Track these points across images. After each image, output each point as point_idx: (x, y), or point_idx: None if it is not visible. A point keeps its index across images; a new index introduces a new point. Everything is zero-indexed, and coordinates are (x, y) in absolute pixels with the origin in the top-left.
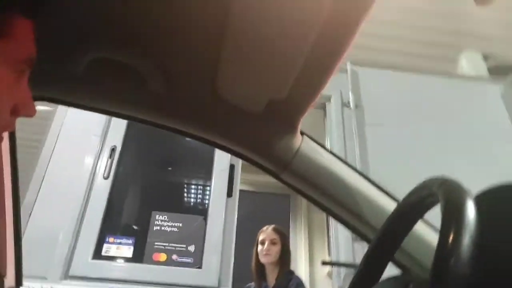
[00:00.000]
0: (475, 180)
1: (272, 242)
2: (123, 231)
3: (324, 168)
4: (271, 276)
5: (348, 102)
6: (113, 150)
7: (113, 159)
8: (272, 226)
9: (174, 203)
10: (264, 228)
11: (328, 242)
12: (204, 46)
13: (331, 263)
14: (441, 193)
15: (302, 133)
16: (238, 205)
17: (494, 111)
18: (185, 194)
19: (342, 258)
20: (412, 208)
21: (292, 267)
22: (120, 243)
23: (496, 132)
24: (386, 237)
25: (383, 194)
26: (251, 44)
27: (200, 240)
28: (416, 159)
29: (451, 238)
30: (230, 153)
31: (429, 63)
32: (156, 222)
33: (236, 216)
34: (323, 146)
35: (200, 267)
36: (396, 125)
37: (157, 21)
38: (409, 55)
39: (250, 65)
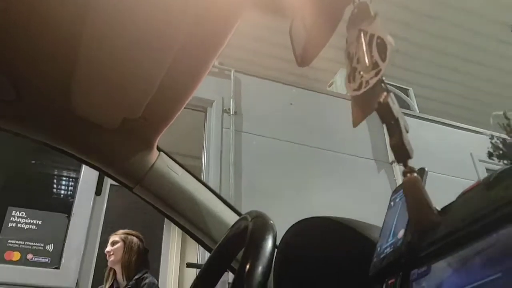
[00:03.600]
0: (327, 189)
1: (113, 244)
2: None
3: (176, 185)
4: (120, 277)
5: (229, 109)
6: None
7: None
8: (122, 231)
9: (36, 199)
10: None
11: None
12: (57, 56)
13: (196, 266)
14: (250, 227)
15: (159, 150)
16: (112, 202)
17: (358, 129)
18: (50, 189)
19: None
20: (235, 236)
21: (163, 265)
22: None
23: (356, 149)
24: (220, 254)
25: (227, 209)
26: (104, 64)
27: (60, 239)
28: (286, 171)
29: (247, 268)
30: (84, 164)
31: (310, 73)
32: (12, 219)
33: (103, 216)
34: (178, 163)
35: (57, 268)
36: (271, 134)
37: (6, 28)
38: (293, 62)
39: (102, 83)
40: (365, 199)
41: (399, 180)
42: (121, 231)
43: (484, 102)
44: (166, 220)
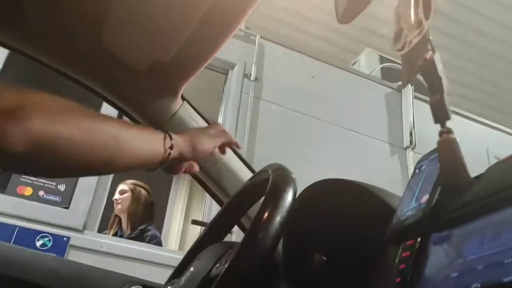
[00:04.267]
0: (337, 168)
1: (121, 193)
2: None
3: None
4: (125, 225)
5: (250, 74)
6: None
7: None
8: (131, 181)
9: None
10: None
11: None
12: None
13: (201, 223)
14: (271, 178)
15: (183, 98)
16: None
17: (376, 111)
18: None
19: None
20: (254, 186)
21: (167, 222)
22: None
23: (371, 130)
24: (234, 206)
25: (243, 166)
26: (139, 1)
27: (72, 180)
28: (298, 140)
29: (265, 216)
30: (107, 102)
31: (335, 51)
32: None
33: None
34: (201, 115)
35: (67, 207)
36: (289, 105)
37: None
38: (319, 39)
39: (137, 21)
40: (373, 182)
41: (411, 166)
42: (130, 181)
43: (504, 98)
44: (174, 177)
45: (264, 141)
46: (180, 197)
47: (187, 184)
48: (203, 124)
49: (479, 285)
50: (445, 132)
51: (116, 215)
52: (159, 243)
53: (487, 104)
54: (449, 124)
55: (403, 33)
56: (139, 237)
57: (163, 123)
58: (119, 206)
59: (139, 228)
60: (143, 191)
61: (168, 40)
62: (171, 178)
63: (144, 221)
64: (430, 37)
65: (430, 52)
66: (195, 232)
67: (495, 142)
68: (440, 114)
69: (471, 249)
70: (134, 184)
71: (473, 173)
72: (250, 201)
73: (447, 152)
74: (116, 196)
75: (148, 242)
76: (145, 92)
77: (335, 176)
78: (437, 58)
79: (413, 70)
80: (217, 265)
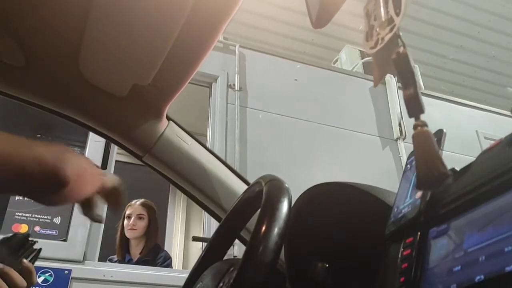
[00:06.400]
0: (331, 167)
1: (139, 217)
2: None
3: (185, 154)
4: (136, 250)
5: (234, 84)
6: None
7: None
8: (141, 200)
9: None
10: (132, 202)
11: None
12: (67, 23)
13: (202, 239)
14: (265, 190)
15: (168, 118)
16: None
17: (363, 106)
18: None
19: None
20: (248, 200)
21: (168, 241)
22: None
23: (361, 126)
24: (231, 222)
25: (236, 178)
26: (115, 27)
27: (67, 212)
28: (289, 144)
29: (262, 230)
30: (93, 132)
31: (315, 51)
32: None
33: None
34: (188, 132)
35: (65, 240)
36: (276, 110)
37: None
38: (298, 41)
39: (113, 48)
40: (369, 176)
41: (404, 157)
42: (141, 201)
43: (490, 80)
44: (170, 196)
45: (255, 149)
46: (179, 215)
47: (183, 201)
48: (191, 142)
49: (482, 277)
50: (420, 125)
51: (125, 239)
52: (171, 264)
53: (460, 83)
54: (436, 110)
55: (374, 31)
56: (152, 260)
57: (151, 147)
58: (134, 233)
59: (149, 250)
60: (156, 213)
61: (146, 63)
62: (167, 195)
63: (151, 243)
64: (400, 33)
65: (402, 48)
66: (197, 248)
67: (484, 123)
68: (414, 108)
69: (470, 240)
70: (147, 206)
71: (466, 156)
72: (246, 215)
73: (422, 145)
74: (132, 221)
75: (162, 263)
76: (128, 118)
77: (330, 176)
78: (409, 52)
79: (385, 69)
80: (221, 284)
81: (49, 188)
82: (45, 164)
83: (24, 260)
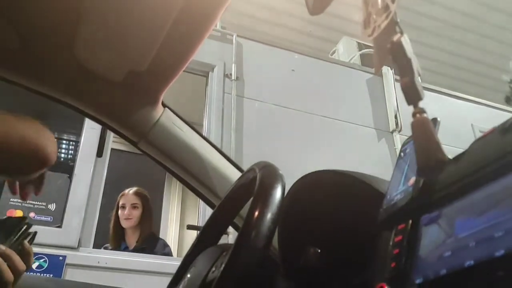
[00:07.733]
0: (327, 158)
1: (133, 206)
2: None
3: (180, 141)
4: (132, 238)
5: (230, 74)
6: None
7: None
8: (134, 189)
9: None
10: (126, 191)
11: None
12: (63, 7)
13: (196, 228)
14: (259, 176)
15: (164, 105)
16: (112, 165)
17: (359, 97)
18: None
19: None
20: (242, 187)
21: (163, 229)
22: None
23: (357, 117)
24: (225, 209)
25: (231, 165)
26: (111, 12)
27: (62, 199)
28: (285, 134)
29: (255, 215)
30: (88, 118)
31: (312, 42)
32: None
33: (104, 177)
34: (183, 120)
35: (60, 226)
36: (272, 101)
37: None
38: (295, 31)
39: (109, 33)
40: (364, 168)
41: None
42: (134, 190)
43: (486, 74)
44: (166, 184)
45: (251, 139)
46: (174, 203)
47: (179, 190)
48: (186, 129)
49: (472, 262)
50: (418, 112)
51: (120, 228)
52: (171, 251)
53: (459, 78)
54: (432, 103)
55: (372, 18)
56: (149, 248)
57: (146, 133)
58: (130, 222)
59: (146, 238)
60: (150, 202)
61: (141, 48)
62: (163, 184)
63: (146, 231)
64: (398, 20)
65: (398, 35)
66: (192, 237)
67: (479, 116)
68: (412, 95)
69: (461, 226)
70: (141, 195)
71: (461, 149)
72: (240, 202)
73: (421, 131)
74: (127, 211)
75: (163, 250)
76: (123, 104)
77: (325, 166)
78: (405, 40)
79: (383, 56)
80: (213, 269)
81: (31, 165)
82: (28, 143)
83: (25, 242)
